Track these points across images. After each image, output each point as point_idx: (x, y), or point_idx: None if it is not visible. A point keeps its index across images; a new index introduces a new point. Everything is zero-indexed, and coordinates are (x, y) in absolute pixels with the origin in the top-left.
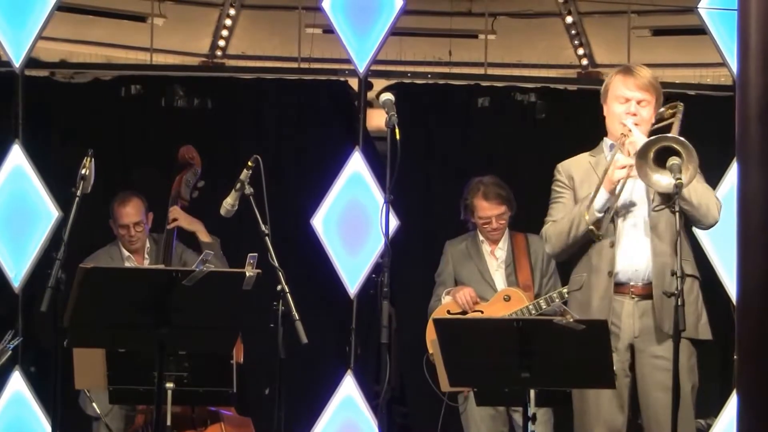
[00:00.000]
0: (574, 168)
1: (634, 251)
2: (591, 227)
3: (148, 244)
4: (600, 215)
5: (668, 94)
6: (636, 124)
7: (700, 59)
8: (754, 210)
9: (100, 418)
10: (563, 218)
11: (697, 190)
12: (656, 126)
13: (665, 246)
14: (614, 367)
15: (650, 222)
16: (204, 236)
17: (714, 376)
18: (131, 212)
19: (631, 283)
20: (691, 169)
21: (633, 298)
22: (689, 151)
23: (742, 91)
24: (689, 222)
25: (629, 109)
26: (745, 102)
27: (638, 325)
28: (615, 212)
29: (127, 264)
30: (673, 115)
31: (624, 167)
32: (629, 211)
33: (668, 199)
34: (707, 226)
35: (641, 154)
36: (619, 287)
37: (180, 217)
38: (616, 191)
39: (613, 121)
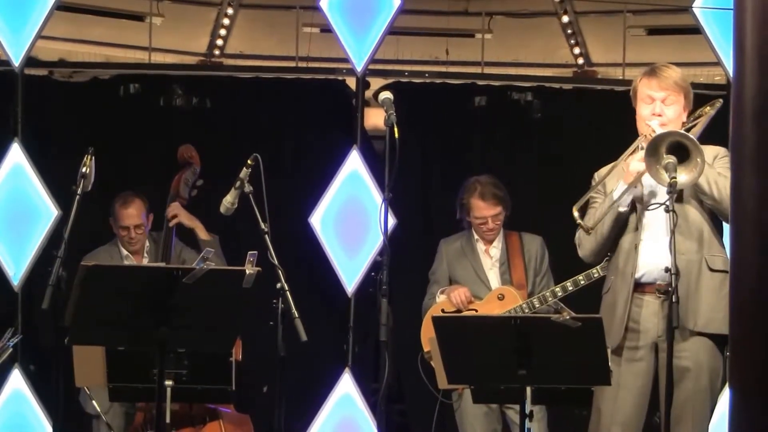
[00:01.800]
0: (606, 173)
1: (658, 251)
2: (579, 222)
3: (147, 244)
4: (622, 209)
5: None
6: (663, 125)
7: (694, 59)
8: (747, 210)
9: (100, 417)
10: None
11: (718, 183)
12: (690, 124)
13: (690, 242)
14: (636, 367)
15: (673, 220)
16: (203, 234)
17: None
18: (133, 214)
19: (658, 282)
20: (700, 164)
21: (659, 297)
22: (695, 146)
23: (737, 91)
24: (718, 216)
25: (654, 110)
26: (740, 102)
27: (662, 324)
28: (638, 211)
29: (126, 263)
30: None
31: (643, 161)
32: (651, 212)
33: (695, 196)
34: None
35: (650, 152)
36: (645, 286)
37: (180, 213)
38: (635, 185)
39: (641, 123)
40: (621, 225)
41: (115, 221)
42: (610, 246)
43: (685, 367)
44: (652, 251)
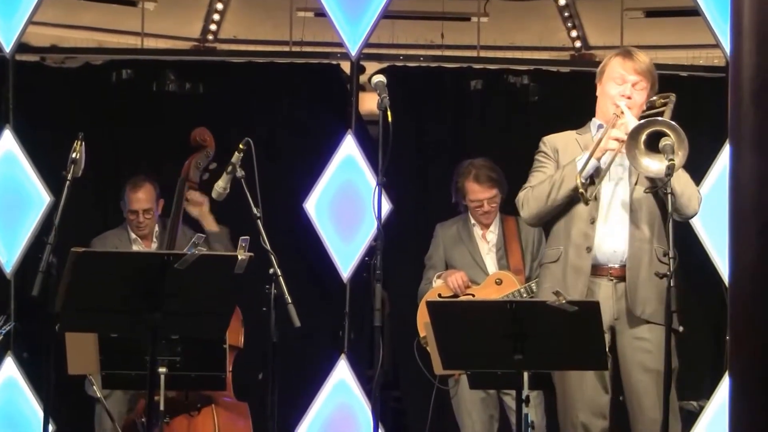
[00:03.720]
0: (560, 142)
1: (614, 232)
2: (581, 190)
3: (157, 229)
4: (584, 181)
5: (661, 77)
6: (629, 108)
7: (693, 41)
8: (746, 192)
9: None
10: (543, 182)
11: (681, 178)
12: (647, 113)
13: (644, 231)
14: None
15: (631, 205)
16: (213, 225)
17: (706, 358)
18: (142, 198)
19: (609, 265)
20: (681, 155)
21: (611, 280)
22: (680, 137)
23: (735, 72)
24: (674, 210)
25: (624, 92)
26: (738, 82)
27: (617, 307)
28: (597, 185)
29: (135, 247)
30: (664, 105)
31: (617, 140)
32: (611, 190)
33: (656, 184)
34: (686, 217)
35: (633, 136)
36: (597, 269)
37: (204, 203)
38: (604, 163)
39: (606, 102)
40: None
41: (125, 205)
42: (555, 212)
43: (642, 348)
44: (607, 231)
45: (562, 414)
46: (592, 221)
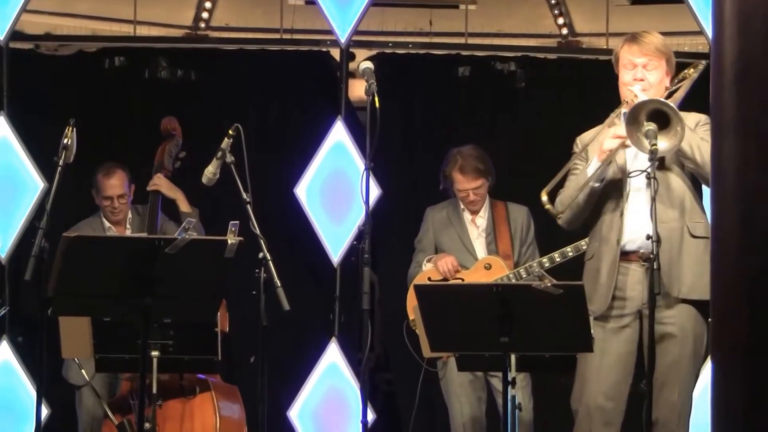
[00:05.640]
0: (589, 139)
1: (641, 218)
2: (548, 207)
3: (129, 215)
4: (595, 184)
5: None
6: (645, 90)
7: (678, 28)
8: (728, 176)
9: (84, 387)
10: (568, 189)
11: (701, 147)
12: (673, 87)
13: (672, 210)
14: (621, 334)
15: (654, 187)
16: (184, 206)
17: None
18: (116, 184)
19: (641, 251)
20: (680, 131)
21: (643, 265)
22: (675, 113)
23: (716, 56)
24: (700, 180)
25: (636, 75)
26: (720, 68)
27: (647, 292)
28: (622, 180)
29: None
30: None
31: (617, 137)
32: (634, 179)
33: (677, 163)
34: None
35: (631, 121)
36: (629, 254)
37: (161, 184)
38: (609, 161)
39: (624, 90)
40: (596, 197)
41: (98, 192)
42: (587, 214)
43: (669, 334)
44: (636, 219)
45: (577, 395)
46: (621, 214)
